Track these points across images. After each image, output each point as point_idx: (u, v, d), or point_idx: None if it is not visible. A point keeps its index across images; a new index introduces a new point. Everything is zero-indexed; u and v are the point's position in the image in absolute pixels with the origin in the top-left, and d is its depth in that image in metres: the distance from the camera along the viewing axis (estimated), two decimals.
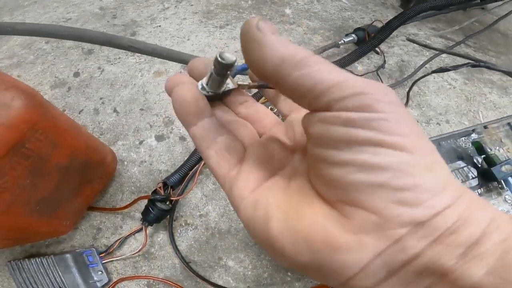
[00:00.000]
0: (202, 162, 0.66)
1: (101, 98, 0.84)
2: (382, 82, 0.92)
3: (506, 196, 0.46)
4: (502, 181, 0.46)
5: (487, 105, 0.99)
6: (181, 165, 0.66)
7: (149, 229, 0.62)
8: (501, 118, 0.58)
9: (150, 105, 0.84)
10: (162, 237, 0.65)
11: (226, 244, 0.65)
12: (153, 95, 0.86)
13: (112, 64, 0.93)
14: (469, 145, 0.49)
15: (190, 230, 0.66)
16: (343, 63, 0.92)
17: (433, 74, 0.97)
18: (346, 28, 1.10)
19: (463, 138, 0.50)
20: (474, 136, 0.51)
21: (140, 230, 0.61)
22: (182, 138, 0.78)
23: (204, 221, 0.67)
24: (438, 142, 0.49)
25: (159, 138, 0.78)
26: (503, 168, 0.44)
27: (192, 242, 0.65)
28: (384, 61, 0.99)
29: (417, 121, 0.88)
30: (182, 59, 0.56)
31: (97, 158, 0.57)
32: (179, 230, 0.66)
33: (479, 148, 0.48)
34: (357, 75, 0.87)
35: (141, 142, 0.74)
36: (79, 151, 0.50)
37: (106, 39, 0.50)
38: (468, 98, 1.02)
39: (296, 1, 1.19)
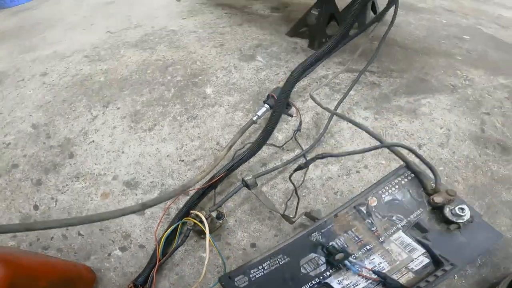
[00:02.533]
0: (158, 264, 0.81)
1: None
2: (302, 148, 1.07)
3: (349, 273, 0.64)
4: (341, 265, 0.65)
5: (399, 136, 1.16)
6: (144, 267, 0.80)
7: None
8: (348, 202, 0.75)
9: (107, 224, 0.95)
10: None
11: None
12: None
13: (62, 193, 1.06)
14: (319, 238, 0.70)
15: None
16: (264, 137, 1.04)
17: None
18: (263, 92, 1.25)
19: (313, 234, 0.70)
20: (316, 235, 0.70)
21: None
22: (142, 246, 0.91)
23: None
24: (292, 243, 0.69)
25: (123, 249, 0.91)
26: (337, 257, 0.62)
27: None
28: (300, 122, 1.13)
29: (338, 176, 1.03)
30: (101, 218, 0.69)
31: (74, 275, 0.75)
32: None
33: (320, 244, 0.69)
34: (278, 146, 1.00)
35: (109, 254, 0.89)
36: (56, 276, 0.68)
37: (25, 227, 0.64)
38: (381, 133, 1.18)
39: (215, 76, 1.32)
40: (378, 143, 0.81)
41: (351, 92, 1.28)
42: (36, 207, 0.98)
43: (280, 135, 1.12)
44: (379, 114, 1.22)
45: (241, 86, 1.28)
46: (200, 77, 1.34)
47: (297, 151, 1.07)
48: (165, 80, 1.35)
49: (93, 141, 1.13)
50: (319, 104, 1.08)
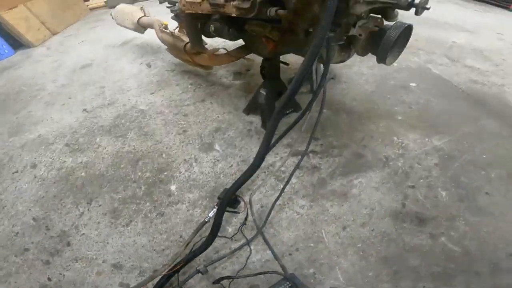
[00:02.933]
0: None
1: None
2: (246, 239, 1.57)
3: None
4: None
5: (329, 221, 1.56)
6: None
7: None
8: None
9: None
10: None
11: None
12: None
13: (67, 270, 1.43)
14: None
15: None
16: (211, 237, 1.52)
17: (285, 209, 1.67)
18: (218, 188, 1.67)
19: None
20: None
21: None
22: None
23: None
24: None
25: None
26: None
27: None
28: (246, 217, 1.62)
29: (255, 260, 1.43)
30: None
31: None
32: None
33: None
34: (228, 237, 1.55)
35: None
36: None
37: None
38: (313, 221, 1.57)
39: (178, 172, 1.83)
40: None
41: (293, 180, 1.68)
42: (49, 279, 1.40)
43: (230, 227, 1.55)
44: (314, 201, 1.61)
45: (200, 182, 1.70)
46: (165, 173, 1.77)
47: (243, 240, 1.47)
48: (136, 176, 1.79)
49: (84, 233, 1.56)
50: (252, 213, 1.61)
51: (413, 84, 2.42)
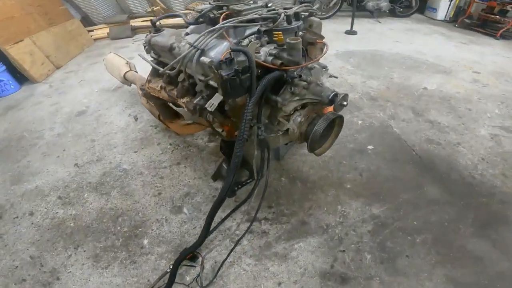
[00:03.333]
0: None
1: None
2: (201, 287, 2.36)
3: None
4: None
5: (268, 277, 2.08)
6: None
7: None
8: None
9: None
10: None
11: None
12: None
13: None
14: None
15: None
16: (171, 281, 2.36)
17: (235, 265, 2.46)
18: (182, 245, 2.24)
19: None
20: None
21: None
22: None
23: None
24: None
25: None
26: None
27: None
28: (202, 270, 2.37)
29: None
30: None
31: None
32: None
33: None
34: (185, 284, 2.34)
35: None
36: None
37: None
38: (255, 277, 2.08)
39: (151, 229, 2.45)
40: None
41: (245, 242, 2.15)
42: None
43: (188, 277, 2.08)
44: (259, 261, 1.99)
45: (167, 239, 2.24)
46: (140, 229, 2.32)
47: None
48: (116, 230, 2.36)
49: (70, 271, 2.07)
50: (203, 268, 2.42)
51: (370, 147, 2.97)
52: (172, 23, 6.52)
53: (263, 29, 2.01)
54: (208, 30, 2.00)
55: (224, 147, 2.54)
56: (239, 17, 2.07)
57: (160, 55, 2.55)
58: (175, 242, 2.39)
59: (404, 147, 3.04)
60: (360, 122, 3.23)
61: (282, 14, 2.06)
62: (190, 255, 2.10)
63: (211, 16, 2.24)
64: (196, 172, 2.94)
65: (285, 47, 1.84)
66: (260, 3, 2.23)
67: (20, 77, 4.88)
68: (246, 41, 1.98)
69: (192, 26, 2.44)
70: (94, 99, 4.33)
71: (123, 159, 3.06)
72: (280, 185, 2.60)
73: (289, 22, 2.03)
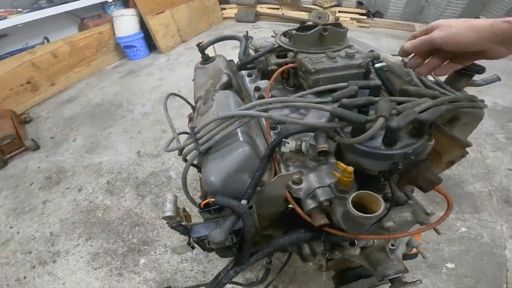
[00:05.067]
0: None
1: None
2: None
3: None
4: None
5: None
6: None
7: None
8: None
9: None
10: None
11: None
12: None
13: None
14: None
15: None
16: None
17: None
18: (170, 280, 2.15)
19: None
20: None
21: None
22: None
23: None
24: None
25: None
26: None
27: None
28: None
29: None
30: None
31: None
32: None
33: None
34: None
35: None
36: None
37: None
38: None
39: (154, 251, 2.34)
40: None
41: None
42: (33, 267, 2.30)
43: None
44: None
45: (161, 269, 2.25)
46: (146, 247, 2.38)
47: None
48: (128, 237, 2.43)
49: (67, 259, 2.30)
50: None
51: (449, 265, 2.31)
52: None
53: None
54: (252, 104, 1.11)
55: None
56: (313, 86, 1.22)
57: None
58: (166, 275, 2.35)
59: (499, 277, 2.10)
60: (462, 229, 2.37)
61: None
62: None
63: (264, 67, 1.42)
64: None
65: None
66: (359, 57, 1.26)
67: (152, 45, 5.43)
68: (289, 146, 1.07)
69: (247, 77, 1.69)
70: (188, 84, 4.45)
71: (175, 164, 3.06)
72: None
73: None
